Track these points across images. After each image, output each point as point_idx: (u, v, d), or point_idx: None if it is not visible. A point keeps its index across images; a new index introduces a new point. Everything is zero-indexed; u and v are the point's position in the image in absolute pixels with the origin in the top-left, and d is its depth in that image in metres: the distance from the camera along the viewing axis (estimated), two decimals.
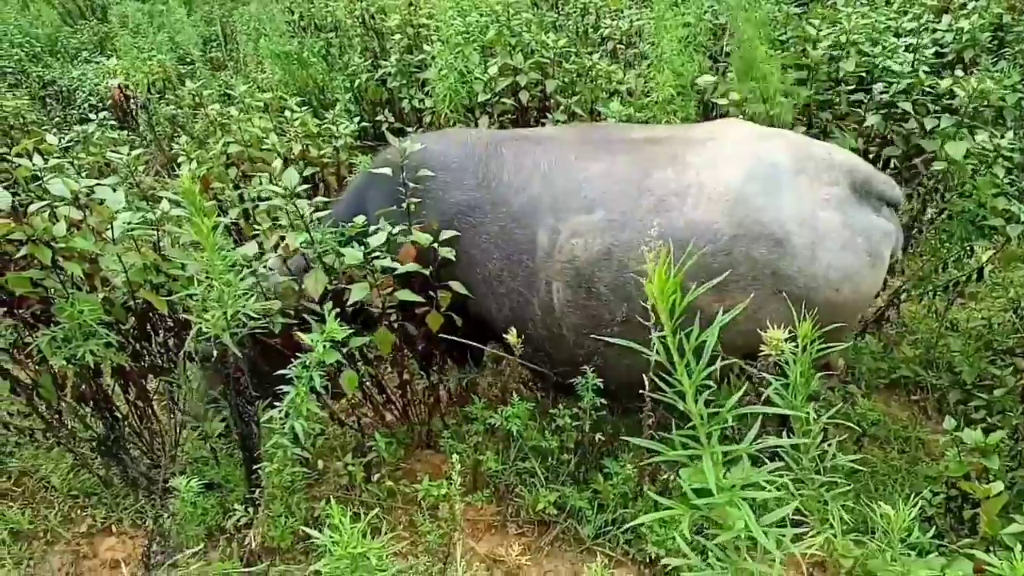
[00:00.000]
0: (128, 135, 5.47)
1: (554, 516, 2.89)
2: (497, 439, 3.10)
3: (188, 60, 7.87)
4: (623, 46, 5.02)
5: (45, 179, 2.34)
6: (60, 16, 10.29)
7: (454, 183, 2.98)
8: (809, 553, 1.51)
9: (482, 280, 2.95)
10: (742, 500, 1.41)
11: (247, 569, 2.04)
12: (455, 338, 2.96)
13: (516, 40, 4.01)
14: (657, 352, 1.50)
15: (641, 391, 2.83)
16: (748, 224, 2.59)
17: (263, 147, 4.20)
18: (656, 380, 2.46)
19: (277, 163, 3.61)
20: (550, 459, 3.00)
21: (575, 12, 6.00)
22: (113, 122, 5.40)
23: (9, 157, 2.36)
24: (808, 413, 1.86)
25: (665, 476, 2.88)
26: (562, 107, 3.97)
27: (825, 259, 2.61)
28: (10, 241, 2.30)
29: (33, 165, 2.37)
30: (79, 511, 2.84)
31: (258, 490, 2.21)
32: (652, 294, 1.30)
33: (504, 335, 2.82)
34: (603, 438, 2.92)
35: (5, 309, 2.26)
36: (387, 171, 2.84)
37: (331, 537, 1.45)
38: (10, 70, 8.04)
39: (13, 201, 2.18)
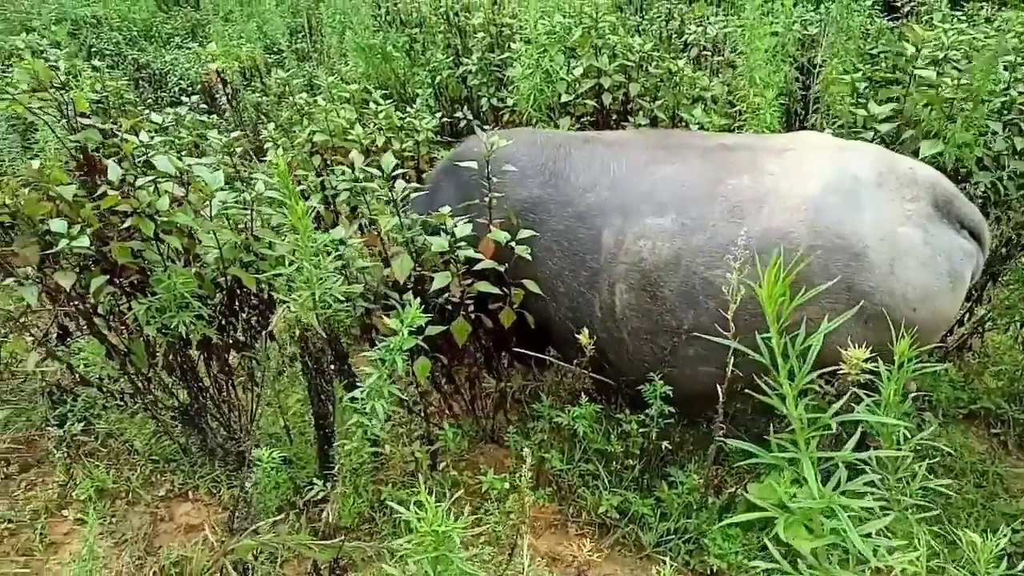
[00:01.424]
0: (216, 119, 5.65)
1: (616, 520, 2.89)
2: (562, 438, 3.11)
3: (275, 50, 8.10)
4: (708, 53, 4.96)
5: (150, 155, 2.45)
6: (156, 2, 10.70)
7: (520, 180, 3.00)
8: (901, 568, 1.47)
9: (542, 278, 2.96)
10: (840, 507, 1.39)
11: (323, 542, 2.10)
12: (522, 350, 2.99)
13: (602, 42, 4.00)
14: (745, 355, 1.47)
15: (707, 402, 2.82)
16: (826, 236, 2.53)
17: (347, 137, 4.30)
18: (720, 391, 2.48)
19: (356, 154, 3.72)
20: (614, 463, 2.99)
21: (659, 17, 5.97)
22: (203, 106, 5.60)
23: (119, 132, 2.47)
24: (903, 431, 1.81)
25: (732, 489, 2.85)
26: (644, 111, 3.96)
27: (904, 276, 2.53)
28: (115, 212, 2.42)
29: (139, 142, 2.48)
30: (159, 475, 2.96)
31: (337, 467, 2.26)
32: (760, 297, 1.29)
33: (564, 335, 2.82)
34: (669, 446, 2.90)
35: (107, 277, 2.36)
36: (471, 164, 2.88)
37: (416, 514, 1.48)
38: (108, 52, 8.41)
39: (123, 175, 2.28)
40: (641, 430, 2.85)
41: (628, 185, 2.84)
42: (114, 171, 2.24)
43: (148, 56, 8.32)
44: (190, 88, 7.25)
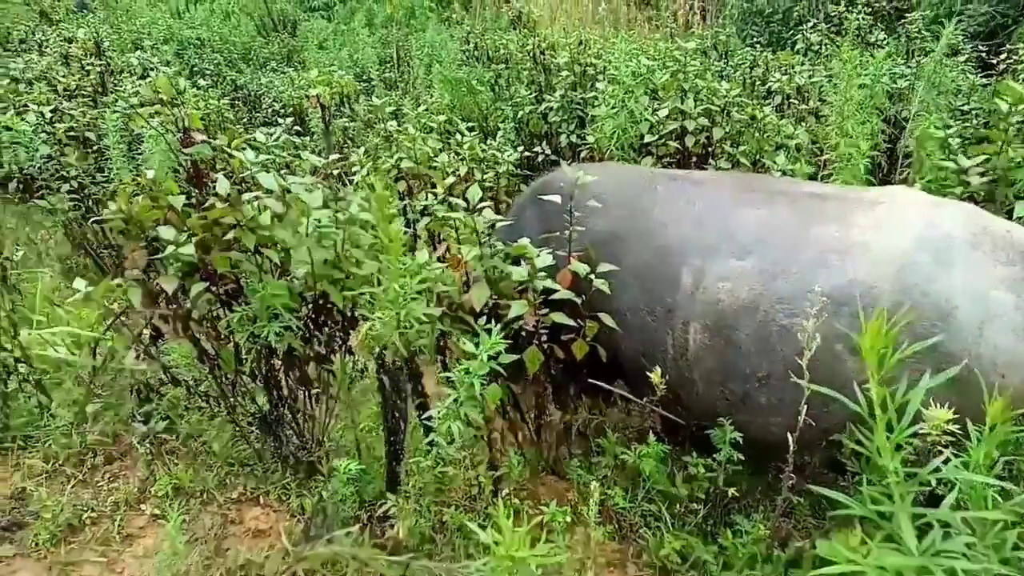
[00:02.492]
0: (307, 141, 5.90)
1: (676, 565, 2.85)
2: (626, 476, 3.10)
3: (364, 78, 8.43)
4: (795, 101, 4.95)
5: (255, 172, 2.59)
6: (256, 27, 11.27)
7: (602, 212, 3.02)
8: None
9: (615, 311, 2.96)
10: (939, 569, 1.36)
11: (392, 557, 2.15)
12: (594, 382, 3.00)
13: (689, 86, 4.05)
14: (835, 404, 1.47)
15: (776, 453, 2.76)
16: (913, 293, 2.47)
17: (431, 165, 4.43)
18: (791, 440, 2.44)
19: (447, 181, 3.84)
20: (678, 506, 2.96)
21: (743, 63, 6.00)
22: (298, 128, 5.86)
23: (228, 149, 2.62)
24: (992, 496, 1.76)
25: (800, 544, 2.79)
26: (727, 156, 3.97)
27: (993, 341, 2.44)
28: (218, 224, 2.56)
29: (246, 159, 2.63)
30: (233, 478, 3.07)
31: (408, 484, 2.32)
32: (863, 347, 1.29)
33: (633, 370, 2.82)
34: (736, 493, 2.86)
35: (206, 284, 2.49)
36: (555, 198, 2.93)
37: (494, 538, 1.51)
38: (209, 72, 8.87)
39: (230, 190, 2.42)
40: (708, 474, 2.82)
41: (711, 225, 2.83)
42: (223, 185, 2.38)
43: (245, 78, 8.75)
44: (282, 110, 7.58)
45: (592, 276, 2.79)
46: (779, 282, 2.62)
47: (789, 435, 2.46)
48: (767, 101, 5.26)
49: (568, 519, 2.73)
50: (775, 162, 3.80)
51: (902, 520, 1.40)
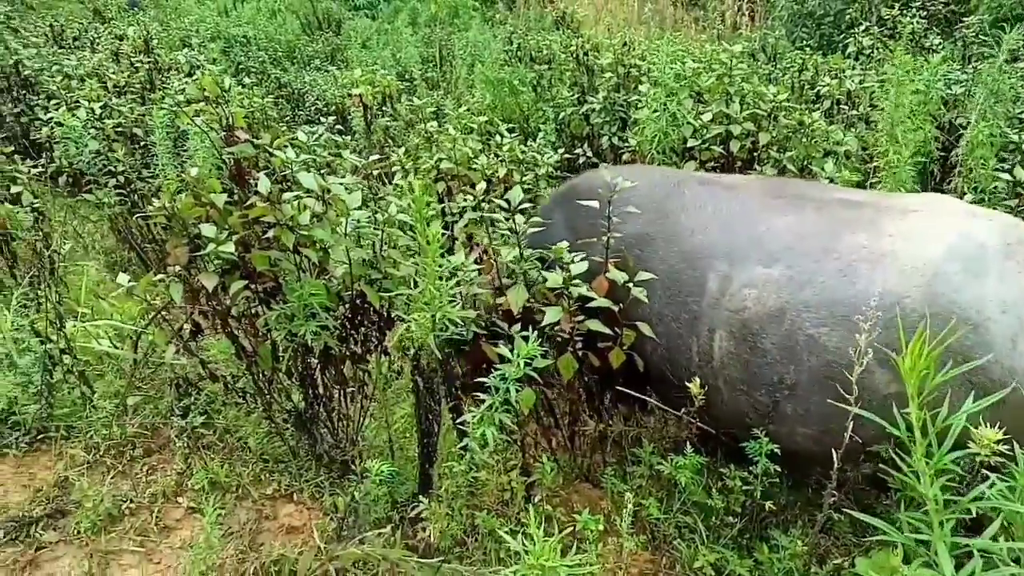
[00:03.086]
0: (348, 140, 5.94)
1: None
2: (660, 487, 3.05)
3: (406, 77, 8.46)
4: (846, 106, 4.83)
5: (295, 171, 2.60)
6: (301, 26, 11.40)
7: (628, 215, 2.97)
8: None
9: (641, 316, 2.91)
10: None
11: (423, 560, 2.14)
12: (628, 391, 2.96)
13: (735, 89, 3.97)
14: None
15: (803, 464, 2.70)
16: (943, 304, 2.40)
17: (470, 167, 4.42)
18: (836, 456, 2.36)
19: (481, 185, 3.82)
20: (714, 518, 2.90)
21: (792, 67, 5.88)
22: (339, 127, 5.90)
23: (269, 148, 2.64)
24: None
25: (838, 562, 2.71)
26: (772, 161, 3.89)
27: None
28: (258, 222, 2.58)
29: (287, 158, 2.64)
30: (267, 475, 3.09)
31: (440, 488, 2.31)
32: (903, 369, 1.23)
33: (659, 377, 2.77)
34: (773, 507, 2.80)
35: (246, 282, 2.51)
36: (592, 202, 2.89)
37: (524, 546, 1.49)
38: (254, 70, 8.99)
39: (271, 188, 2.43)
40: (744, 487, 2.76)
41: (739, 231, 2.79)
42: (264, 184, 2.40)
43: (289, 76, 8.85)
44: (325, 108, 7.65)
45: (630, 284, 2.75)
46: (806, 291, 2.57)
47: (834, 451, 2.41)
48: (816, 106, 5.15)
49: (601, 527, 2.70)
50: (823, 169, 3.71)
51: (940, 550, 1.35)
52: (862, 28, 6.68)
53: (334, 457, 3.07)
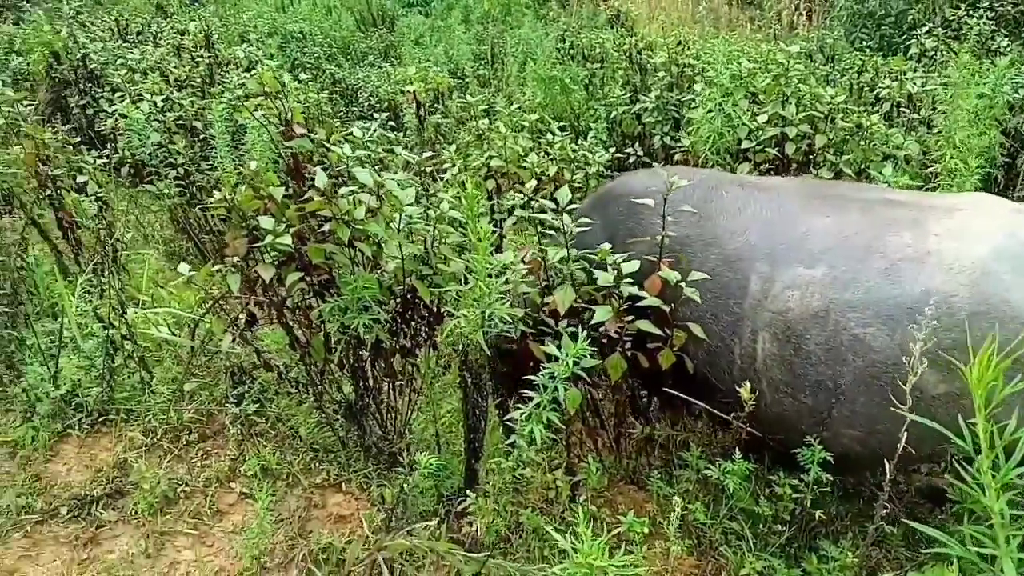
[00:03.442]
0: (400, 137, 6.01)
1: None
2: (707, 491, 3.02)
3: (458, 74, 8.52)
4: (906, 110, 4.71)
5: (351, 167, 2.65)
6: (355, 23, 11.55)
7: (669, 216, 2.97)
8: None
9: (682, 319, 2.89)
10: None
11: (469, 554, 2.16)
12: (678, 394, 2.95)
13: (791, 90, 3.90)
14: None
15: (848, 467, 2.65)
16: (994, 302, 2.36)
17: (520, 165, 4.43)
18: (889, 467, 2.32)
19: (530, 184, 3.83)
20: (761, 525, 2.87)
21: (850, 68, 5.75)
22: (392, 123, 5.97)
23: (326, 143, 2.68)
24: None
25: (889, 575, 2.66)
26: (829, 164, 3.81)
27: None
28: (314, 216, 2.63)
29: (344, 154, 2.68)
30: (317, 464, 3.15)
31: (488, 483, 2.33)
32: (970, 379, 1.21)
33: (701, 380, 2.75)
34: (824, 517, 2.75)
35: (301, 274, 2.57)
36: (649, 201, 2.87)
37: (572, 544, 1.49)
38: (309, 65, 9.14)
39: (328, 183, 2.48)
40: (795, 495, 2.71)
41: (780, 232, 2.76)
42: (321, 178, 2.44)
43: (343, 72, 8.97)
44: (378, 105, 7.74)
45: (682, 284, 2.72)
46: (850, 291, 2.55)
47: (886, 462, 2.36)
48: (875, 109, 5.04)
49: (646, 530, 2.69)
50: (881, 173, 3.63)
51: (1006, 566, 1.31)
52: (925, 29, 6.50)
53: (382, 449, 3.11)
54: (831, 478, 2.64)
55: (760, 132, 3.84)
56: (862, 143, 3.90)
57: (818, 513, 2.72)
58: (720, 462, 2.85)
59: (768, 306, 2.69)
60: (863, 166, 3.86)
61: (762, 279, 2.72)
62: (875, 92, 5.33)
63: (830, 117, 3.97)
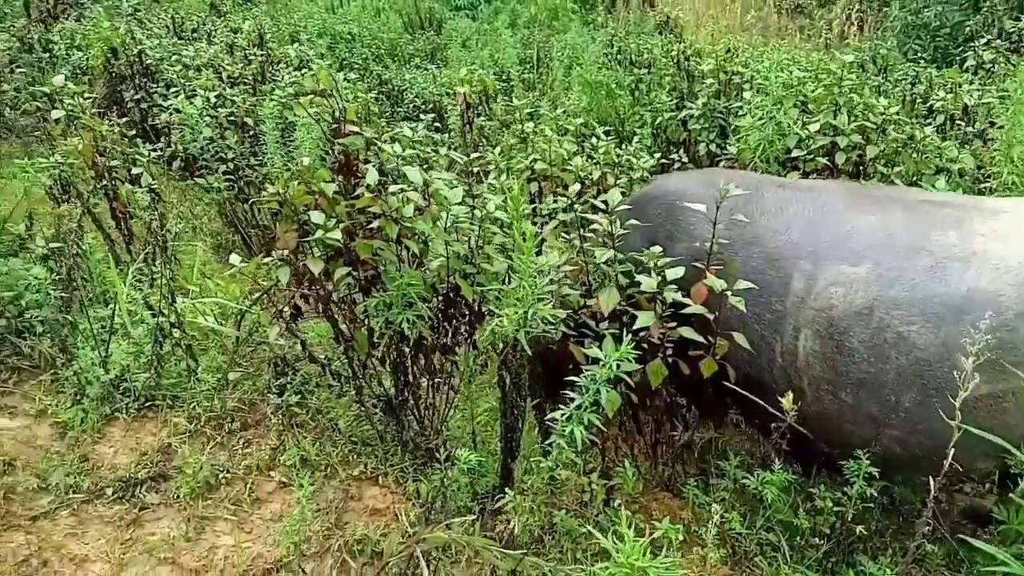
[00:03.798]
0: (445, 138, 6.06)
1: None
2: (744, 501, 2.99)
3: (503, 78, 8.56)
4: (961, 122, 4.61)
5: (401, 165, 2.68)
6: (403, 25, 11.68)
7: (704, 220, 2.92)
8: None
9: (722, 320, 2.88)
10: None
11: (506, 551, 2.17)
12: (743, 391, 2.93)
13: (844, 100, 3.85)
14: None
15: (885, 469, 2.62)
16: None
17: (564, 168, 4.44)
18: (934, 484, 2.29)
19: (574, 187, 3.83)
20: (799, 538, 2.83)
21: (904, 79, 5.65)
22: (437, 124, 6.02)
23: (377, 141, 2.72)
24: None
25: None
26: (880, 176, 3.75)
27: None
28: (363, 212, 2.67)
29: (394, 152, 2.72)
30: (355, 456, 3.19)
31: (526, 482, 2.34)
32: None
33: (740, 380, 2.73)
34: (864, 532, 2.70)
35: (349, 269, 2.60)
36: (700, 206, 2.85)
37: (615, 544, 1.49)
38: (357, 66, 9.27)
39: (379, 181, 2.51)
40: (835, 508, 2.67)
41: (823, 230, 2.76)
42: (372, 176, 2.48)
43: (390, 73, 9.08)
44: (423, 106, 7.82)
45: (729, 293, 2.70)
46: (895, 289, 2.55)
47: (931, 479, 2.32)
48: (927, 121, 4.94)
49: (681, 537, 2.67)
50: (934, 187, 3.56)
51: None
52: (983, 41, 6.35)
53: (419, 444, 3.14)
54: (875, 493, 2.60)
55: (810, 141, 3.80)
56: (914, 155, 3.83)
57: (859, 528, 2.67)
58: (759, 472, 2.82)
59: (811, 303, 2.69)
60: (915, 179, 3.79)
61: (805, 276, 2.72)
62: (928, 104, 5.23)
63: (882, 128, 3.91)
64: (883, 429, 2.63)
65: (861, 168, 3.85)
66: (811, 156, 3.78)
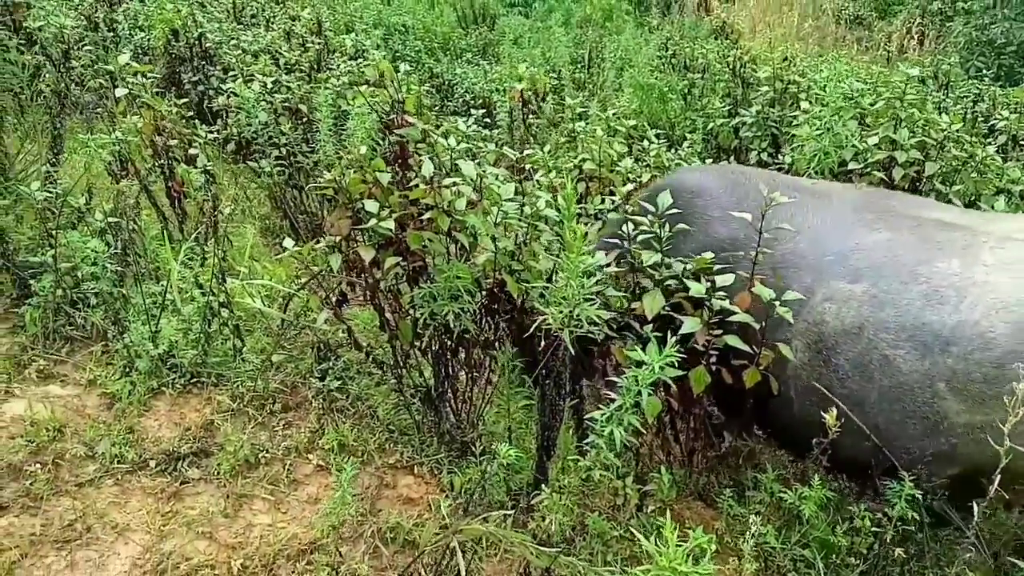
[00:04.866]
0: (495, 134, 6.07)
1: None
2: (780, 515, 2.96)
3: (554, 76, 8.55)
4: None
5: (456, 159, 2.70)
6: (457, 19, 11.74)
7: (721, 218, 2.97)
8: None
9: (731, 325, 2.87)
10: None
11: (542, 547, 2.18)
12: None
13: (905, 115, 3.77)
14: None
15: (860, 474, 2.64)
16: None
17: (612, 169, 4.42)
18: (977, 509, 2.28)
19: (627, 187, 3.82)
20: (835, 556, 2.79)
21: (966, 97, 5.52)
22: (487, 120, 6.04)
23: (435, 133, 2.74)
24: None
25: None
26: (936, 194, 3.67)
27: None
28: (415, 203, 2.69)
29: (449, 145, 2.74)
30: (391, 444, 3.22)
31: (563, 480, 2.34)
32: None
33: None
34: (904, 555, 2.65)
35: (399, 259, 2.63)
36: (747, 216, 2.82)
37: (657, 548, 1.49)
38: (409, 58, 9.34)
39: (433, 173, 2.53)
40: (874, 529, 2.63)
41: (826, 244, 2.79)
42: (428, 168, 2.50)
43: (441, 67, 9.13)
44: (473, 101, 7.85)
45: (776, 303, 2.67)
46: (887, 311, 2.59)
47: (975, 504, 2.29)
48: (988, 140, 4.82)
49: (714, 547, 2.65)
50: (993, 207, 3.48)
51: None
52: None
53: (455, 436, 3.16)
54: (918, 517, 2.56)
55: (868, 154, 3.73)
56: (974, 175, 3.74)
57: (898, 551, 2.63)
58: (796, 486, 2.79)
59: (804, 316, 2.73)
60: (973, 198, 3.70)
61: (803, 288, 2.74)
62: (990, 123, 5.10)
63: (942, 145, 3.82)
64: (863, 442, 2.68)
65: (918, 184, 3.77)
66: (867, 169, 3.71)
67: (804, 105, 4.19)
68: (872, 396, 2.62)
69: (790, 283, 2.77)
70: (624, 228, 2.85)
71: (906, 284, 2.60)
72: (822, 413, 2.51)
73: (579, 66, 9.17)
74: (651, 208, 2.75)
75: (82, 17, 7.24)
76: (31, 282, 3.53)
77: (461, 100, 8.05)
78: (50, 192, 3.60)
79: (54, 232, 3.49)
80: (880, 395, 2.60)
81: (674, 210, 2.84)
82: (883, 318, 2.59)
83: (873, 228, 2.77)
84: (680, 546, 1.48)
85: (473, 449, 3.02)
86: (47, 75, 5.20)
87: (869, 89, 4.25)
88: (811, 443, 2.70)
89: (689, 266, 2.77)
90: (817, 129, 3.80)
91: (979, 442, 2.49)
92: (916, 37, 11.36)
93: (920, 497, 2.53)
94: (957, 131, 3.86)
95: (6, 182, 4.22)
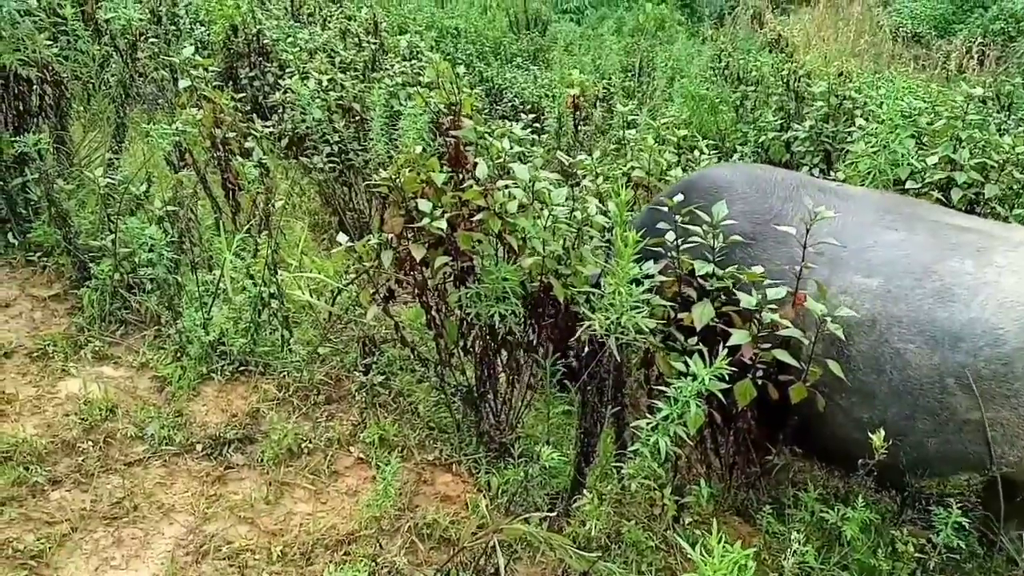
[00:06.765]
0: (545, 139, 6.10)
1: None
2: (821, 535, 2.91)
3: (605, 84, 8.54)
4: None
5: (509, 162, 2.72)
6: (509, 24, 11.79)
7: (742, 213, 2.97)
8: None
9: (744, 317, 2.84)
10: None
11: (581, 552, 2.19)
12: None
13: (966, 135, 3.70)
14: None
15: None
16: None
17: (661, 178, 4.41)
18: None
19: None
20: None
21: None
22: (536, 125, 6.06)
23: (490, 136, 2.77)
24: None
25: None
26: (997, 217, 3.59)
27: None
28: (466, 204, 2.72)
29: (503, 148, 2.76)
30: (431, 441, 3.26)
31: (604, 486, 2.34)
32: None
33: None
34: None
35: (449, 259, 2.66)
36: (790, 229, 2.79)
37: (703, 557, 1.49)
38: (461, 61, 9.41)
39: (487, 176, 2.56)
40: (917, 555, 2.58)
41: (847, 240, 2.81)
42: (482, 170, 2.53)
43: (492, 71, 9.19)
44: (522, 106, 7.88)
45: (828, 319, 2.63)
46: (900, 306, 2.64)
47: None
48: None
49: (752, 564, 2.62)
50: None
51: None
52: None
53: (494, 437, 3.18)
54: (963, 545, 2.50)
55: (926, 174, 3.66)
56: None
57: None
58: (839, 506, 2.75)
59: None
60: None
61: (819, 282, 2.75)
62: None
63: (1004, 167, 3.73)
64: (872, 435, 2.63)
65: (976, 207, 3.69)
66: (924, 189, 3.65)
67: (860, 121, 4.13)
68: (883, 389, 2.67)
69: (808, 278, 2.78)
70: (670, 236, 2.84)
71: (919, 280, 2.65)
72: (869, 435, 2.48)
73: (629, 74, 9.16)
74: (667, 203, 2.76)
75: (147, 10, 7.44)
76: (91, 265, 3.64)
77: (510, 105, 8.09)
78: (112, 179, 3.71)
79: (114, 218, 3.61)
80: (890, 389, 2.65)
81: (700, 205, 2.84)
82: (894, 312, 2.65)
83: (891, 228, 2.84)
84: (729, 554, 1.47)
85: (512, 451, 3.03)
86: (114, 66, 5.35)
87: (928, 108, 4.18)
88: (823, 437, 2.85)
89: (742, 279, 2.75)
90: (873, 146, 3.74)
91: (985, 439, 2.54)
92: (976, 57, 11.10)
93: (967, 525, 2.47)
94: (1020, 154, 3.77)
95: (71, 168, 4.37)
